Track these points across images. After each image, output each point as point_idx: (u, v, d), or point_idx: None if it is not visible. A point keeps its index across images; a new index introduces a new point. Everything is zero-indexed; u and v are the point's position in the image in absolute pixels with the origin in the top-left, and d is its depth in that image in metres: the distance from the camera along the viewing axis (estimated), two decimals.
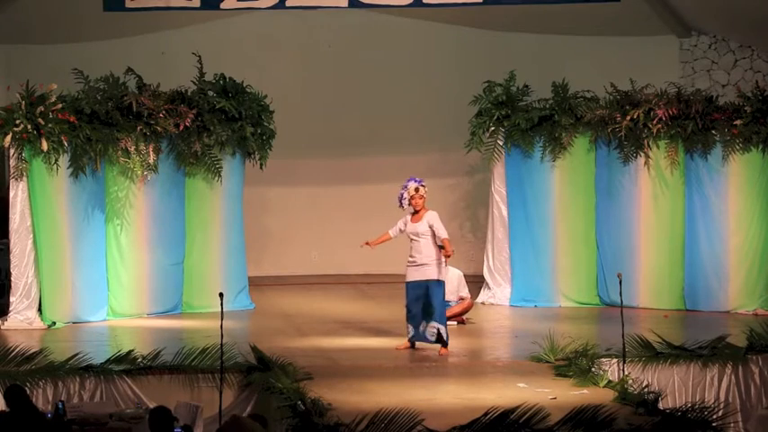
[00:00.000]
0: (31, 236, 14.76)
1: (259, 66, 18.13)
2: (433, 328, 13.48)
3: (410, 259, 13.61)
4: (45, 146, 14.59)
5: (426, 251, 13.50)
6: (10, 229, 14.85)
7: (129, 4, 16.34)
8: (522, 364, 12.88)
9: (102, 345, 13.62)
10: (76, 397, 11.87)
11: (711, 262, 16.19)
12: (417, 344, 13.73)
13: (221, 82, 16.24)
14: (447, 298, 15.11)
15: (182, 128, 15.68)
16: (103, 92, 15.51)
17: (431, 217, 13.55)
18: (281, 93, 17.14)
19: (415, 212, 13.57)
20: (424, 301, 13.50)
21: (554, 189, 16.72)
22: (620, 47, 18.77)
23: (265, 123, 16.40)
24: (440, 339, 13.47)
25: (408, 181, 13.68)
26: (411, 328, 13.63)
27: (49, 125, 14.63)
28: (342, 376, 12.30)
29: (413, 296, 13.56)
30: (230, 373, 11.98)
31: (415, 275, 13.56)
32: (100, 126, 15.18)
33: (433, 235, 13.51)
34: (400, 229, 13.73)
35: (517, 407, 10.24)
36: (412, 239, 13.57)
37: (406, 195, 13.61)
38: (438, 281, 13.54)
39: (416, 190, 13.56)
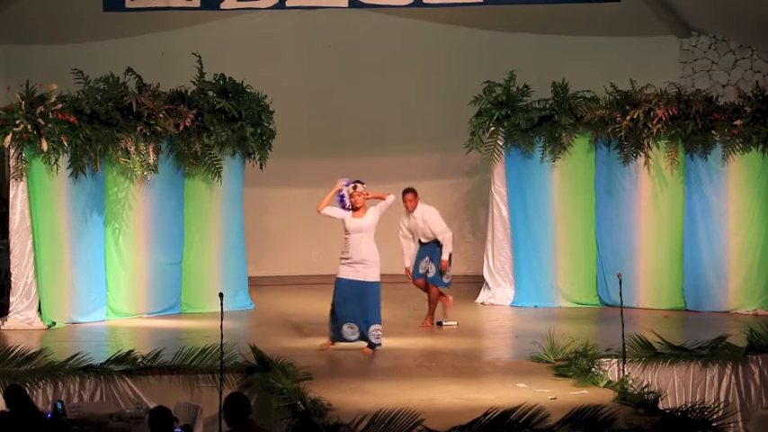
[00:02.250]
0: (31, 236, 14.77)
1: (259, 66, 18.12)
2: (376, 330, 13.48)
3: (345, 256, 13.47)
4: (45, 146, 14.60)
5: (366, 249, 13.43)
6: (10, 229, 14.86)
7: (129, 4, 16.34)
8: (522, 364, 12.88)
9: (102, 345, 13.62)
10: (76, 397, 11.87)
11: (711, 262, 16.19)
12: (418, 345, 13.74)
13: (221, 82, 16.25)
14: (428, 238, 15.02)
15: (182, 128, 15.68)
16: (103, 92, 15.52)
17: (373, 210, 13.53)
18: (281, 93, 17.12)
19: (356, 209, 13.53)
20: (360, 303, 13.42)
21: (554, 189, 16.72)
22: (620, 47, 18.77)
23: (265, 123, 16.41)
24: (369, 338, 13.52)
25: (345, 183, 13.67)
26: (334, 326, 13.53)
27: (49, 125, 14.63)
28: (342, 376, 12.31)
29: (345, 294, 13.45)
30: (230, 373, 11.97)
31: (350, 274, 13.45)
32: (100, 126, 15.19)
33: (373, 228, 13.48)
34: (343, 219, 13.53)
35: (517, 407, 10.24)
36: (352, 236, 13.45)
37: (346, 194, 13.56)
38: (376, 282, 13.50)
39: (354, 188, 13.53)
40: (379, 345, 13.52)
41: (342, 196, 13.61)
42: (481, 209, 18.32)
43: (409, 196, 14.98)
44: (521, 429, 10.07)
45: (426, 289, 15.11)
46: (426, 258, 14.99)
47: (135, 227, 15.65)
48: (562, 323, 14.99)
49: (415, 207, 14.94)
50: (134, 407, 11.34)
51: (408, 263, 14.99)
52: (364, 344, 13.49)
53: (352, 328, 13.50)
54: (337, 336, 13.53)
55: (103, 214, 15.43)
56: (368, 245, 13.46)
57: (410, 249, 15.05)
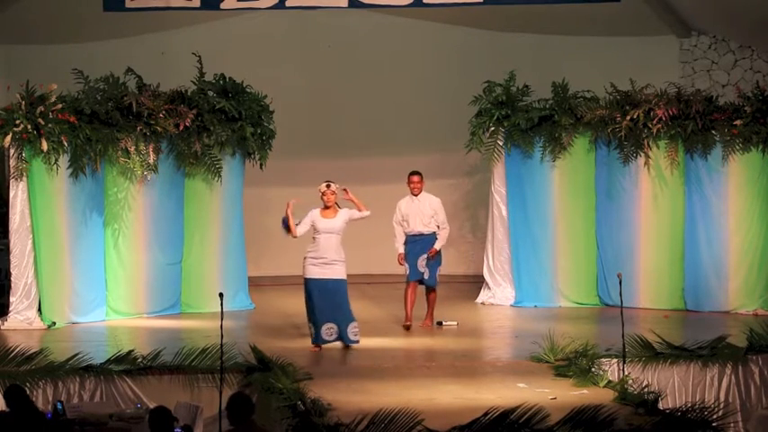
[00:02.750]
0: (31, 236, 14.77)
1: (259, 66, 18.11)
2: (354, 327, 13.58)
3: (313, 255, 13.48)
4: (45, 146, 14.60)
5: (336, 248, 13.50)
6: (10, 229, 14.86)
7: (129, 4, 16.33)
8: (522, 364, 12.88)
9: (102, 345, 13.62)
10: (76, 397, 11.87)
11: (711, 262, 16.19)
12: (418, 345, 13.76)
13: (221, 82, 16.25)
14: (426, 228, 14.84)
15: (182, 128, 15.69)
16: (103, 92, 15.53)
17: (345, 212, 13.58)
18: (281, 93, 17.13)
19: (326, 208, 13.56)
20: (334, 302, 13.46)
21: (554, 189, 16.72)
22: (620, 47, 18.76)
23: (265, 123, 16.41)
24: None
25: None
26: (314, 329, 13.55)
27: (49, 125, 14.64)
28: (342, 376, 12.31)
29: (318, 295, 13.47)
30: (230, 373, 11.98)
31: (320, 273, 13.47)
32: (100, 126, 15.19)
33: (343, 231, 13.55)
34: (312, 227, 13.56)
35: (517, 407, 10.23)
36: (322, 235, 13.48)
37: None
38: (345, 280, 13.57)
39: (328, 186, 13.58)
40: (358, 341, 13.61)
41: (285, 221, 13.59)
42: (481, 209, 18.32)
43: (416, 178, 14.90)
44: (521, 429, 10.06)
45: (414, 293, 14.85)
46: (423, 256, 14.80)
47: (135, 227, 15.66)
48: (562, 323, 14.99)
49: (420, 190, 14.88)
50: (134, 407, 11.34)
51: (402, 249, 14.85)
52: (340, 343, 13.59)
53: (330, 329, 13.54)
54: (317, 338, 13.55)
55: (103, 214, 15.43)
56: (338, 245, 13.53)
57: (403, 237, 14.89)
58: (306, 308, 13.62)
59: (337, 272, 13.50)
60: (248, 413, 9.33)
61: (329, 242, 13.48)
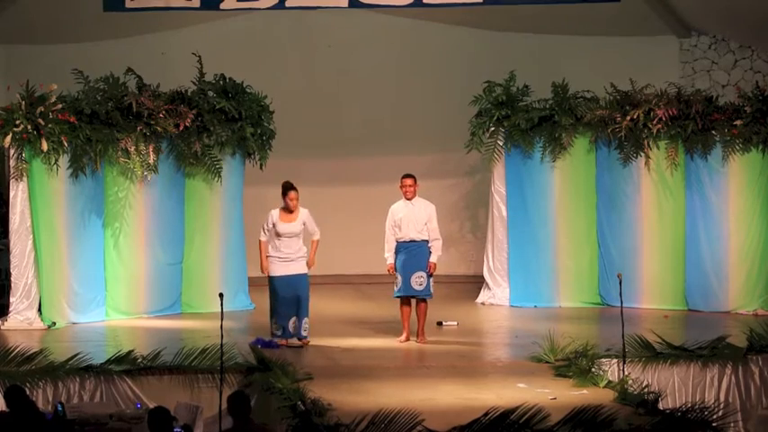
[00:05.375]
0: (31, 236, 14.77)
1: (259, 66, 18.13)
2: (306, 323, 13.77)
3: (278, 254, 13.75)
4: (45, 146, 14.60)
5: (297, 246, 13.79)
6: (10, 229, 14.87)
7: (129, 5, 16.34)
8: (522, 364, 12.88)
9: (102, 345, 13.62)
10: (76, 397, 11.87)
11: (712, 262, 16.19)
12: (418, 345, 13.78)
13: (221, 82, 16.26)
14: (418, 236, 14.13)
15: (182, 128, 15.69)
16: (103, 92, 15.53)
17: (304, 214, 13.82)
18: (281, 93, 17.14)
19: (289, 212, 13.78)
20: (297, 296, 13.72)
21: (554, 189, 16.72)
22: (620, 47, 18.76)
23: (265, 123, 16.42)
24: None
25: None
26: (280, 325, 13.76)
27: (49, 125, 14.64)
28: (342, 376, 12.30)
29: (285, 291, 13.71)
30: (230, 373, 11.98)
31: (286, 269, 13.74)
32: (100, 126, 15.20)
33: (302, 230, 13.83)
34: (267, 231, 13.84)
35: (517, 407, 10.23)
36: (284, 239, 13.72)
37: None
38: (307, 274, 13.85)
39: (293, 189, 13.78)
40: (307, 338, 13.82)
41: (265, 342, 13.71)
42: (481, 209, 18.32)
43: (409, 181, 14.07)
44: (521, 429, 10.06)
45: (409, 306, 14.11)
46: (419, 273, 13.96)
47: (135, 227, 15.67)
48: (562, 323, 14.98)
49: (414, 194, 14.03)
50: (134, 407, 11.34)
51: (392, 260, 14.03)
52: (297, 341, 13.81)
53: (294, 323, 13.75)
54: (284, 333, 13.75)
55: (103, 214, 15.44)
56: (299, 243, 13.82)
57: (394, 244, 14.07)
58: (270, 306, 13.82)
59: (300, 267, 13.78)
60: (247, 410, 9.49)
61: (291, 242, 13.77)
